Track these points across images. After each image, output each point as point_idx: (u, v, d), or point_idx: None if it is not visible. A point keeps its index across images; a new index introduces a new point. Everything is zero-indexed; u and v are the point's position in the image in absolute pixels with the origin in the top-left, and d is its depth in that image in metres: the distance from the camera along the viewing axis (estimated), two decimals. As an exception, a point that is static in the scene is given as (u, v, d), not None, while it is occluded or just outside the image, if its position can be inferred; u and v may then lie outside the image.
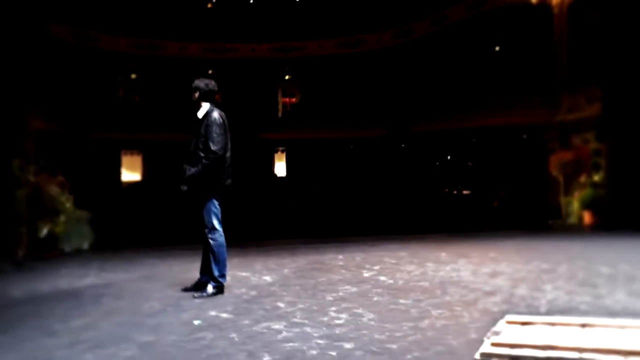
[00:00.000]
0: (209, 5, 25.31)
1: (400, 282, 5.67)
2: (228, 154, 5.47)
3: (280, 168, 26.17)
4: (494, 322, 3.79)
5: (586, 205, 12.08)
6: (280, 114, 26.76)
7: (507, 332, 3.47)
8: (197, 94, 5.48)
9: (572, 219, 13.10)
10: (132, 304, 5.17)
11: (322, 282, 5.88)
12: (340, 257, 7.81)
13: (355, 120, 23.96)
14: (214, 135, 5.32)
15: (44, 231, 9.00)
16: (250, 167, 23.88)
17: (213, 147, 5.30)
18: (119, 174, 24.10)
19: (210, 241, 5.40)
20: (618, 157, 11.58)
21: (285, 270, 6.75)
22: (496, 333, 3.45)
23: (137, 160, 25.76)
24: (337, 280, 5.90)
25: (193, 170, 5.34)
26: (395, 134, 23.52)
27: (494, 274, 5.95)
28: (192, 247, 7.48)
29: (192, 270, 6.25)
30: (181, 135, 24.20)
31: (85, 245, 9.70)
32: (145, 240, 11.32)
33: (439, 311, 4.38)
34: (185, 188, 5.38)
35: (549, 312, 4.18)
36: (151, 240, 11.11)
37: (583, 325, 3.53)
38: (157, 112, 24.04)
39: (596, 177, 12.20)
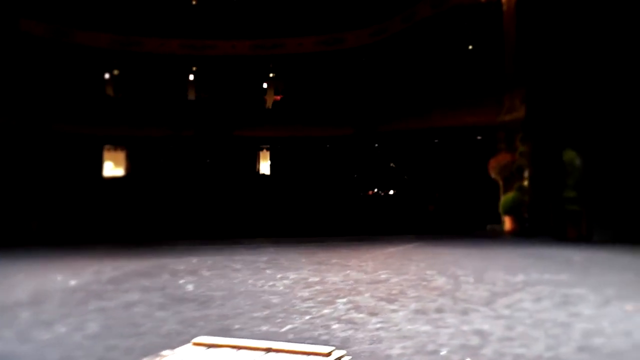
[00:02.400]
0: (194, 2, 24.98)
1: (199, 291, 5.06)
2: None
3: (264, 167, 25.59)
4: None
5: (506, 210, 11.45)
6: (263, 111, 26.06)
7: (177, 355, 2.91)
8: None
9: (508, 224, 12.45)
10: None
11: (121, 288, 5.29)
12: (195, 260, 7.24)
13: (330, 119, 23.49)
14: None
15: None
16: (228, 165, 23.18)
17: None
18: (100, 169, 23.80)
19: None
20: (539, 160, 10.94)
21: (110, 274, 6.17)
22: (161, 356, 2.89)
23: (120, 155, 25.51)
24: (137, 287, 5.29)
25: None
26: (362, 134, 22.99)
27: (313, 284, 5.35)
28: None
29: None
30: (162, 131, 23.88)
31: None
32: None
33: (173, 327, 3.81)
34: None
35: (290, 331, 3.61)
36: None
37: (267, 350, 2.95)
38: (134, 108, 23.74)
39: (526, 182, 11.55)
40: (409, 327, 3.65)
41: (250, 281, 5.60)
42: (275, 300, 4.62)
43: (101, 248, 9.68)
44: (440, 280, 5.40)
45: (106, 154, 25.39)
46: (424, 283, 5.29)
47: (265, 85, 27.25)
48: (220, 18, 25.48)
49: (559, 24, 11.54)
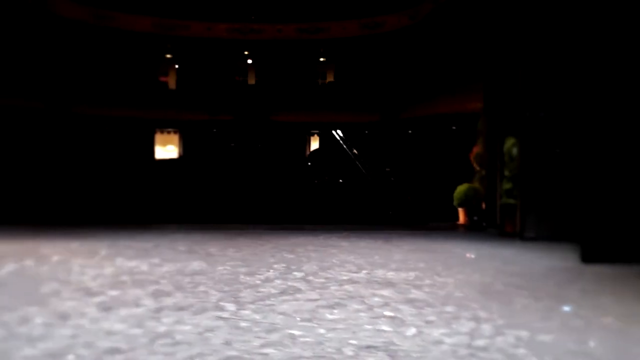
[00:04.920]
0: None
1: (-1, 277, 4.89)
2: None
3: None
4: None
5: (458, 203, 10.67)
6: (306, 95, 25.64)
7: None
8: None
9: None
10: None
11: None
12: (76, 245, 7.10)
13: (364, 105, 23.05)
14: None
15: None
16: (273, 149, 22.83)
17: None
18: (152, 152, 24.47)
19: None
20: (493, 149, 10.08)
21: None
22: None
23: (173, 138, 26.14)
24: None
25: None
26: (387, 121, 22.52)
27: (128, 274, 4.98)
28: None
29: None
30: (206, 115, 24.09)
31: None
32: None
33: None
34: None
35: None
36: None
37: None
38: (183, 93, 24.14)
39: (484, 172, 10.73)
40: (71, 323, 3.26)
41: (75, 269, 5.34)
42: (45, 289, 4.32)
43: (47, 228, 9.73)
44: (256, 277, 4.96)
45: (158, 137, 25.97)
46: (233, 277, 4.87)
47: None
48: (266, 1, 25.33)
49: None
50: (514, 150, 8.56)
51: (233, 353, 2.77)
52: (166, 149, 26.01)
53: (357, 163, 14.17)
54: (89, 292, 4.21)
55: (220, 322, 3.33)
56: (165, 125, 25.73)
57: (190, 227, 10.49)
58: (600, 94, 5.99)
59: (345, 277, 4.85)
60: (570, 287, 4.55)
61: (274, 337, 3.05)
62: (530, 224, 7.90)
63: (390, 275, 5.00)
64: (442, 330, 3.18)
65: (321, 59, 26.79)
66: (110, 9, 24.21)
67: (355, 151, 14.72)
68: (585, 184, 5.81)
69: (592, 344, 2.95)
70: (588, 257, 5.66)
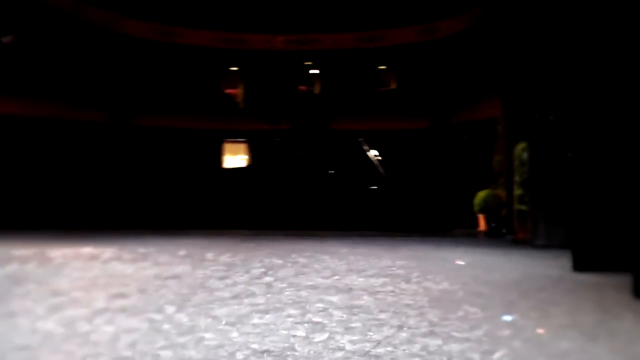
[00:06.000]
0: None
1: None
2: None
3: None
4: None
5: (478, 209, 10.26)
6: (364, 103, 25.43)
7: None
8: None
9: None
10: None
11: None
12: (58, 253, 7.38)
13: (414, 110, 22.83)
14: None
15: None
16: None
17: None
18: (219, 161, 25.22)
19: None
20: (510, 155, 9.62)
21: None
22: None
23: (243, 148, 26.85)
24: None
25: None
26: (436, 126, 22.17)
27: (105, 277, 5.21)
28: None
29: None
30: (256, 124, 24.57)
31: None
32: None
33: None
34: None
35: None
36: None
37: None
38: (247, 104, 24.75)
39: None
40: None
41: (66, 271, 5.56)
42: (20, 290, 4.51)
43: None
44: (224, 281, 5.00)
45: (228, 147, 26.65)
46: (202, 281, 4.92)
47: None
48: (323, 11, 25.52)
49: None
50: (524, 155, 8.19)
51: (128, 353, 2.81)
52: (236, 158, 26.70)
53: (381, 170, 13.96)
54: (56, 293, 4.37)
55: (145, 325, 3.38)
56: (233, 136, 26.34)
57: (222, 233, 10.64)
58: (599, 97, 5.68)
59: (309, 283, 4.81)
60: (533, 297, 4.33)
61: (181, 340, 3.07)
62: (541, 231, 7.52)
63: (358, 281, 4.91)
64: (354, 337, 3.10)
65: (380, 67, 26.56)
66: (175, 24, 25.01)
67: (378, 158, 14.51)
68: (578, 190, 5.51)
69: (497, 355, 2.81)
70: (580, 265, 5.35)
